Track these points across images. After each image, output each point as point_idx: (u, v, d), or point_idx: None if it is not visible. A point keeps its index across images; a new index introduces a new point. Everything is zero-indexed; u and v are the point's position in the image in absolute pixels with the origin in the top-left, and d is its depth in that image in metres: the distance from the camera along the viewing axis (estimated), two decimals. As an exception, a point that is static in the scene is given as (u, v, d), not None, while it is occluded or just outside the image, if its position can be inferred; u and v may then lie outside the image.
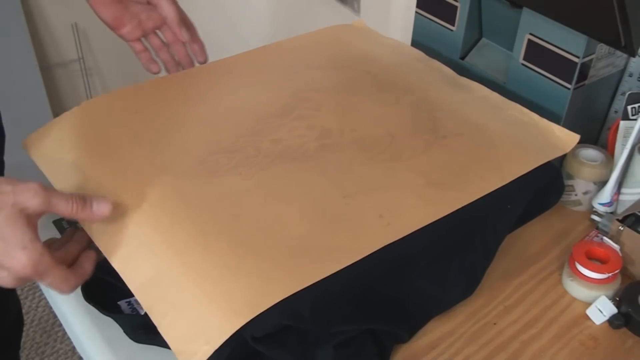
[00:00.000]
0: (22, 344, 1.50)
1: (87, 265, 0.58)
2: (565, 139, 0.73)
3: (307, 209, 0.61)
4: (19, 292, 1.61)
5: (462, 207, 0.64)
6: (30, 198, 0.51)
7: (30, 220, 0.52)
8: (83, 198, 0.56)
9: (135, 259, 0.58)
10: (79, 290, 0.64)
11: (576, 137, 0.73)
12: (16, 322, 1.20)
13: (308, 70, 0.83)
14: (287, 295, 0.53)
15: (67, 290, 0.55)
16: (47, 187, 0.53)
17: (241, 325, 0.51)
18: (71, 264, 0.58)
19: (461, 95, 0.79)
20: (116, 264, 0.58)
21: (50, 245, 0.58)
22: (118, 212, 0.60)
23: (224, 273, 0.55)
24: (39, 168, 0.69)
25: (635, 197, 0.73)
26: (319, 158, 0.67)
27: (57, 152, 0.69)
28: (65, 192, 0.56)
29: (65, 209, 0.54)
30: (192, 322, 0.53)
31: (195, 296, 0.54)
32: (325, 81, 0.80)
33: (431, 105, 0.76)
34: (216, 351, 0.58)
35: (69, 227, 0.75)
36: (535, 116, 0.76)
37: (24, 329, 1.52)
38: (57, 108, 1.89)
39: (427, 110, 0.75)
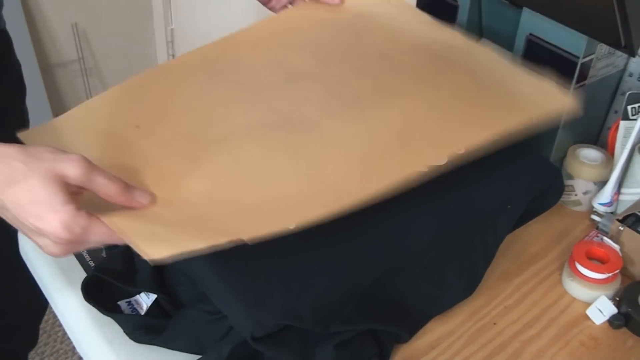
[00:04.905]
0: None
1: None
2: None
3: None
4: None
5: (462, 208, 0.64)
6: (71, 168, 0.50)
7: (66, 187, 0.50)
8: (126, 183, 0.54)
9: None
10: (79, 290, 0.65)
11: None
12: (27, 309, 1.18)
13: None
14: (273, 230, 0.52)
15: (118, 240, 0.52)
16: (91, 162, 0.51)
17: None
18: None
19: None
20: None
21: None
22: None
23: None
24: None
25: (635, 197, 0.73)
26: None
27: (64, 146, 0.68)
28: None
29: (106, 187, 0.52)
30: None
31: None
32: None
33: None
34: (216, 351, 0.59)
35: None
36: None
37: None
38: (57, 108, 1.89)
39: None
